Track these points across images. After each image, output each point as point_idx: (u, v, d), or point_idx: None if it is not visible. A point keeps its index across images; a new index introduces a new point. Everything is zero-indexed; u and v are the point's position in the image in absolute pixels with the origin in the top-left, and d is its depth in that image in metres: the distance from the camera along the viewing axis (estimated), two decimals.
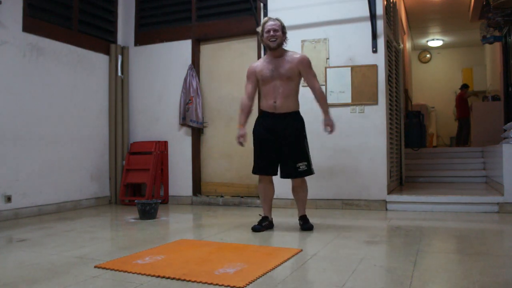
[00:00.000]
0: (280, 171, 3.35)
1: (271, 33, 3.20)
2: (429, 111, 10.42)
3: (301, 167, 3.25)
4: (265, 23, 3.26)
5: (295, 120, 3.32)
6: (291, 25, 4.78)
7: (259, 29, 3.31)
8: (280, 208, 4.65)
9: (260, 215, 3.49)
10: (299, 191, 3.40)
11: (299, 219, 3.42)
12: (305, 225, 3.34)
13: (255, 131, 3.38)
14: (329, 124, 3.34)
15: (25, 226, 3.77)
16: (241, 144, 3.34)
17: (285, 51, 3.32)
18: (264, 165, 3.33)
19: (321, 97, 3.37)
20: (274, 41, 3.20)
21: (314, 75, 3.35)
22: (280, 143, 3.28)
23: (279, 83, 3.24)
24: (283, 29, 3.26)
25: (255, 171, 3.38)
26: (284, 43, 3.29)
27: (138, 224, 3.79)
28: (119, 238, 3.30)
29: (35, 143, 4.45)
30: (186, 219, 4.26)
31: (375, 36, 4.46)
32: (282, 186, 4.70)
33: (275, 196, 4.84)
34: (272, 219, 3.48)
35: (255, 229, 3.30)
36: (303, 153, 3.28)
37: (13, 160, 4.22)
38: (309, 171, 3.30)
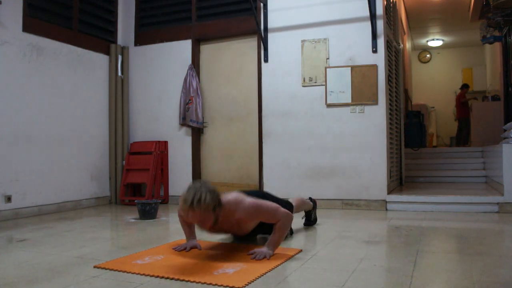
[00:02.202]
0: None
1: (196, 223, 2.43)
2: (429, 111, 10.42)
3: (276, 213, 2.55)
4: (184, 210, 2.30)
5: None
6: (291, 25, 4.79)
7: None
8: None
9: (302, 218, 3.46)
10: (279, 228, 2.54)
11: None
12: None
13: None
14: (258, 253, 2.43)
15: (25, 226, 3.77)
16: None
17: (223, 210, 2.45)
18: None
19: (277, 230, 2.51)
20: (205, 227, 2.42)
21: (271, 213, 2.51)
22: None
23: (240, 233, 2.71)
24: (211, 207, 2.29)
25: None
26: (217, 211, 2.40)
27: (138, 224, 3.79)
28: (119, 238, 3.30)
29: (35, 143, 4.45)
30: None
31: (375, 36, 4.46)
32: (282, 186, 4.70)
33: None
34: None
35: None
36: (270, 209, 2.55)
37: (13, 160, 4.22)
38: (289, 207, 2.82)
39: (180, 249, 2.64)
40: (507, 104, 6.74)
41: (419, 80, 11.56)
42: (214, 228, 2.54)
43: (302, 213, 3.56)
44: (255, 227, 2.67)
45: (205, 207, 2.25)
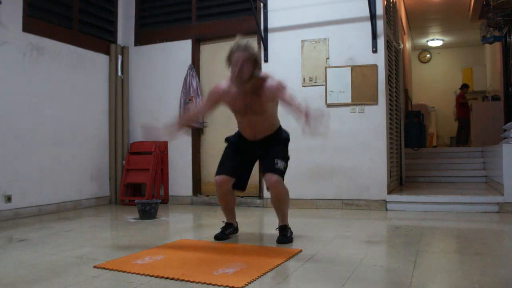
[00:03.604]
0: (262, 167, 2.99)
1: (238, 67, 2.63)
2: (429, 111, 10.42)
3: (278, 163, 2.82)
4: (231, 54, 2.68)
5: (275, 138, 2.94)
6: (291, 25, 4.79)
7: (227, 58, 2.72)
8: None
9: (223, 222, 3.18)
10: (276, 194, 2.86)
11: (278, 230, 2.97)
12: (280, 237, 2.89)
13: (232, 139, 3.05)
14: (309, 114, 2.48)
15: (25, 226, 3.76)
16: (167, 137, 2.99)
17: (256, 79, 2.73)
18: (232, 166, 2.94)
19: (299, 106, 2.61)
20: (241, 77, 2.65)
21: (291, 96, 2.68)
22: (258, 155, 2.98)
23: (255, 118, 2.83)
24: (254, 61, 2.66)
25: (219, 171, 2.95)
26: (254, 74, 2.70)
27: (138, 224, 3.79)
28: (119, 238, 3.30)
29: (35, 143, 4.45)
30: (186, 219, 4.26)
31: (375, 36, 4.46)
32: None
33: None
34: (237, 224, 3.22)
35: (218, 237, 3.01)
36: (283, 154, 2.89)
37: (13, 160, 4.22)
38: (282, 173, 2.85)
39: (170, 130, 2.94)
40: (507, 104, 6.73)
41: (419, 80, 11.56)
42: (241, 100, 2.77)
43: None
44: (270, 118, 2.88)
45: (252, 52, 2.65)
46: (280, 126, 3.02)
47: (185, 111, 2.97)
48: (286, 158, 2.92)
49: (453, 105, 10.52)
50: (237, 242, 2.99)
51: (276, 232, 2.98)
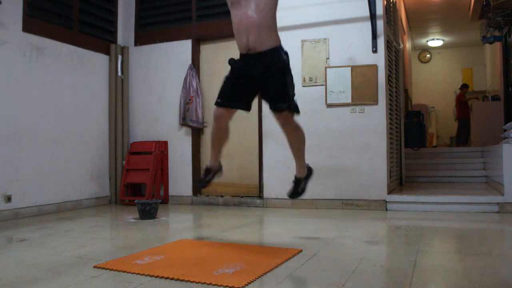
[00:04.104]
0: (270, 101, 2.82)
1: None
2: (429, 111, 10.42)
3: (281, 106, 2.73)
4: None
5: (275, 60, 2.72)
6: (291, 25, 4.78)
7: None
8: (280, 208, 4.65)
9: (207, 167, 3.10)
10: (288, 136, 2.88)
11: (293, 181, 3.05)
12: (290, 191, 2.98)
13: (234, 62, 2.84)
14: None
15: (25, 226, 3.77)
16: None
17: None
18: (233, 95, 2.81)
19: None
20: None
21: None
22: (259, 86, 2.79)
23: (250, 10, 2.63)
24: None
25: (222, 102, 2.81)
26: None
27: (138, 224, 3.79)
28: (119, 238, 3.30)
29: (35, 143, 4.45)
30: (186, 219, 4.26)
31: (375, 36, 4.46)
32: (282, 186, 4.69)
33: (274, 196, 4.84)
34: (220, 163, 3.09)
35: (200, 185, 3.07)
36: (284, 94, 2.74)
37: (13, 160, 4.22)
38: (291, 106, 2.76)
39: None
40: (507, 104, 6.73)
41: (419, 80, 11.56)
42: None
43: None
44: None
45: None
46: (280, 45, 2.77)
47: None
48: (288, 92, 2.75)
49: (453, 105, 10.52)
50: (237, 242, 2.99)
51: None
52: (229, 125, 2.90)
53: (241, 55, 2.78)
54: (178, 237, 3.16)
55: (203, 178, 3.05)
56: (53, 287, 1.99)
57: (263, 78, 2.73)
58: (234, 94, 2.80)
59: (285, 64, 2.76)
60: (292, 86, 2.79)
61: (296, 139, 2.92)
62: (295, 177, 3.06)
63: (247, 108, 2.88)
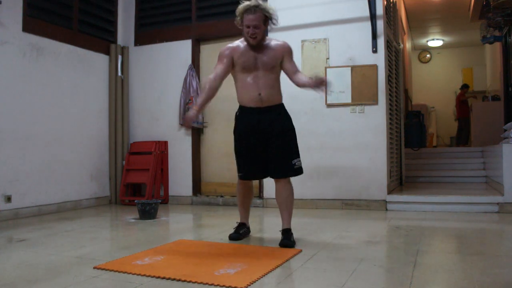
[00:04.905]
0: (272, 171, 2.96)
1: (251, 29, 2.81)
2: (429, 111, 10.42)
3: (296, 163, 2.92)
4: (244, 12, 2.83)
5: (281, 114, 2.97)
6: (291, 25, 4.78)
7: (237, 18, 2.90)
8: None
9: (237, 222, 3.20)
10: (285, 196, 2.97)
11: (281, 232, 2.91)
12: (284, 240, 2.80)
13: (238, 131, 3.01)
14: (315, 77, 2.83)
15: (25, 226, 3.76)
16: (187, 127, 3.09)
17: (265, 37, 2.97)
18: (253, 170, 3.00)
19: (303, 75, 2.98)
20: (255, 38, 2.84)
21: (294, 63, 3.01)
22: (267, 141, 2.92)
23: (261, 73, 2.88)
24: (265, 19, 2.86)
25: (245, 177, 3.04)
26: (269, 28, 2.95)
27: (138, 224, 3.79)
28: (119, 238, 3.30)
29: (35, 143, 4.45)
30: (186, 219, 4.26)
31: (375, 36, 4.46)
32: None
33: (274, 196, 4.85)
34: (249, 225, 3.22)
35: (232, 237, 3.02)
36: (296, 148, 2.97)
37: (13, 160, 4.21)
38: (302, 169, 2.99)
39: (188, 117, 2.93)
40: (507, 104, 6.73)
41: (419, 80, 11.56)
42: (252, 53, 2.90)
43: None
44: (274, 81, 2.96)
45: (265, 10, 2.82)
46: (282, 104, 3.04)
47: (201, 90, 3.04)
48: (297, 146, 3.00)
49: (453, 105, 10.52)
50: (237, 242, 2.98)
51: (279, 235, 2.93)
52: (252, 186, 3.20)
53: (247, 109, 2.97)
54: (178, 237, 3.15)
55: (236, 231, 3.11)
56: (53, 287, 1.99)
57: (272, 134, 2.92)
58: (253, 166, 3.01)
59: (290, 121, 3.01)
60: (295, 147, 2.99)
61: (289, 200, 3.02)
62: (286, 229, 2.94)
63: (266, 175, 3.07)
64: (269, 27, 2.98)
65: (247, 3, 2.84)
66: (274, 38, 3.09)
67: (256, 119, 2.92)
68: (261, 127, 2.91)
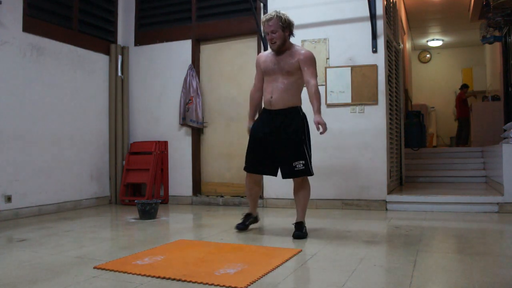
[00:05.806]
0: (280, 171, 3.20)
1: (269, 35, 3.09)
2: (429, 111, 10.42)
3: (297, 166, 3.06)
4: (263, 22, 3.13)
5: (292, 117, 3.11)
6: None
7: (262, 28, 3.23)
8: (280, 208, 4.66)
9: (242, 214, 3.46)
10: (299, 193, 3.19)
11: (294, 225, 3.16)
12: (296, 232, 3.06)
13: (253, 127, 3.28)
14: (320, 123, 2.99)
15: (25, 226, 3.77)
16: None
17: (292, 45, 3.18)
18: (255, 162, 3.22)
19: (315, 94, 3.03)
20: (274, 43, 3.10)
21: (313, 73, 3.08)
22: (275, 143, 3.12)
23: (279, 78, 3.12)
24: (283, 25, 3.08)
25: (247, 168, 3.29)
26: (288, 39, 3.16)
27: (138, 224, 3.79)
28: (119, 238, 3.30)
29: (35, 143, 4.45)
30: (186, 219, 4.26)
31: (375, 36, 4.46)
32: (282, 186, 4.70)
33: (275, 196, 4.85)
34: (257, 214, 3.48)
35: (239, 227, 3.30)
36: (300, 152, 3.08)
37: (13, 160, 4.22)
38: (307, 171, 3.08)
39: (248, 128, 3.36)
40: (507, 104, 6.73)
41: (419, 80, 11.56)
42: (273, 59, 3.15)
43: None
44: (293, 83, 3.14)
45: (282, 18, 3.07)
46: (300, 107, 3.20)
47: (250, 100, 3.40)
48: (304, 150, 3.11)
49: (453, 105, 10.52)
50: (237, 242, 2.99)
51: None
52: (259, 181, 3.43)
53: (264, 110, 3.25)
54: (178, 237, 3.16)
55: (243, 221, 3.36)
56: (53, 287, 1.99)
57: (279, 136, 3.11)
58: (258, 161, 3.22)
59: (301, 125, 3.14)
60: (307, 147, 3.14)
61: (302, 196, 3.21)
62: (299, 222, 3.17)
63: (273, 173, 3.25)
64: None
65: (268, 13, 3.17)
66: (301, 47, 3.31)
67: (267, 120, 3.17)
68: (271, 127, 3.14)
